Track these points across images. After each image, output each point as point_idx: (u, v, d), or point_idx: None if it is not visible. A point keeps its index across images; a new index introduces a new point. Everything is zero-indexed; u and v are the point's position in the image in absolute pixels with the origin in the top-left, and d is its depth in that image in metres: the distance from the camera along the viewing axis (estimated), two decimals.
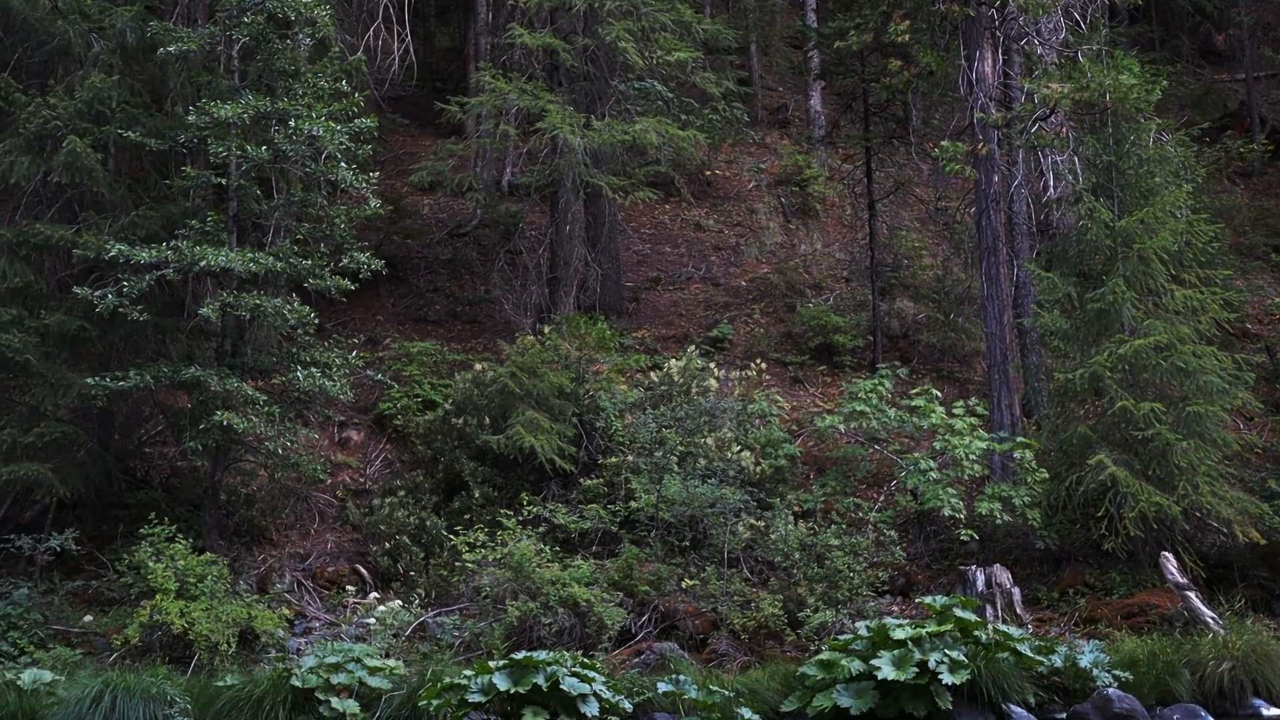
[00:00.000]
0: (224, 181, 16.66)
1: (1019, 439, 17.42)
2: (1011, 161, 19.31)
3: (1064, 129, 18.54)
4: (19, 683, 12.32)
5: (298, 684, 12.81)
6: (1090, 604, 15.81)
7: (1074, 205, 18.35)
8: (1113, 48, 19.15)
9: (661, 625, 15.54)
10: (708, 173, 27.23)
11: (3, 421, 15.88)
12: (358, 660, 13.20)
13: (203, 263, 15.65)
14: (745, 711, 11.95)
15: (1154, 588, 15.62)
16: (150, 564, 14.66)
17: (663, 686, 12.45)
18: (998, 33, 19.01)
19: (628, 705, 12.36)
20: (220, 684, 13.14)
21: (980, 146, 18.51)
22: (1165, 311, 16.71)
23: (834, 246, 25.59)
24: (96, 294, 15.62)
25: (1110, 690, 12.82)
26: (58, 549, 15.71)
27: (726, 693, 12.18)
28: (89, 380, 15.63)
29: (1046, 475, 16.65)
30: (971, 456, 17.04)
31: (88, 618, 15.41)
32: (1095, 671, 13.31)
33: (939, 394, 18.52)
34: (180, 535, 15.20)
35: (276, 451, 16.48)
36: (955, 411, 17.73)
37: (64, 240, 16.24)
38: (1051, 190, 19.75)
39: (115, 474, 16.97)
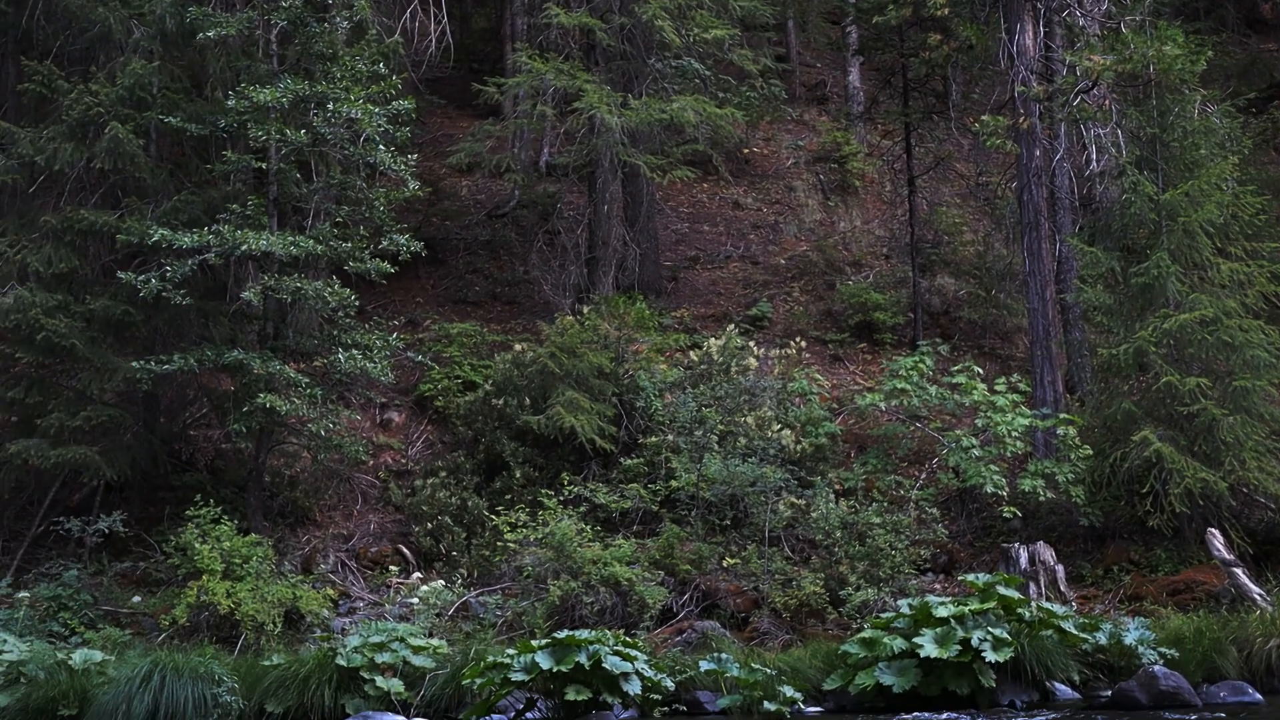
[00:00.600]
0: (264, 165, 16.76)
1: (1062, 415, 17.28)
2: (1053, 135, 19.09)
3: (1107, 101, 18.30)
4: (70, 662, 12.50)
5: (343, 663, 12.93)
6: (1135, 581, 15.69)
7: (1117, 179, 18.13)
8: (1156, 18, 18.89)
9: (703, 604, 15.57)
10: (745, 151, 27.10)
11: (51, 405, 16.08)
12: (402, 640, 13.30)
13: (244, 247, 15.76)
14: (787, 690, 11.95)
15: (1200, 564, 15.48)
16: (197, 545, 14.83)
17: (705, 665, 12.47)
18: (1038, 4, 18.77)
19: (670, 683, 12.38)
20: (267, 663, 13.28)
21: (1021, 120, 18.30)
22: (1211, 285, 16.51)
23: (873, 223, 25.43)
24: (140, 279, 15.77)
25: (1156, 668, 12.71)
26: (106, 531, 15.93)
27: (768, 671, 12.19)
28: (134, 364, 15.80)
29: (1090, 452, 16.51)
30: (1014, 433, 16.92)
31: (136, 598, 15.61)
32: (1141, 649, 13.20)
33: (980, 371, 18.40)
34: (225, 517, 15.35)
35: (319, 433, 16.60)
36: (997, 388, 17.61)
37: (107, 226, 16.40)
38: (1094, 164, 19.50)
39: (161, 457, 17.16)
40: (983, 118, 19.08)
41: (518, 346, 18.50)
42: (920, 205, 23.18)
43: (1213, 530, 15.13)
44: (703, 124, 20.54)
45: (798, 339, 19.80)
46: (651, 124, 19.87)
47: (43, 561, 16.13)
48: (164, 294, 15.71)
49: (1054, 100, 18.30)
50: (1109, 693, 12.87)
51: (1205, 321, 15.98)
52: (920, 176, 23.29)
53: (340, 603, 15.97)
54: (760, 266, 23.99)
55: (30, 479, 16.67)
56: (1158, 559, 15.97)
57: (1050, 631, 13.11)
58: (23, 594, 15.09)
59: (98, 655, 12.77)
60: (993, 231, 23.42)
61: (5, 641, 13.11)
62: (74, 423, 15.81)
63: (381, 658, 13.04)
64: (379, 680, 12.87)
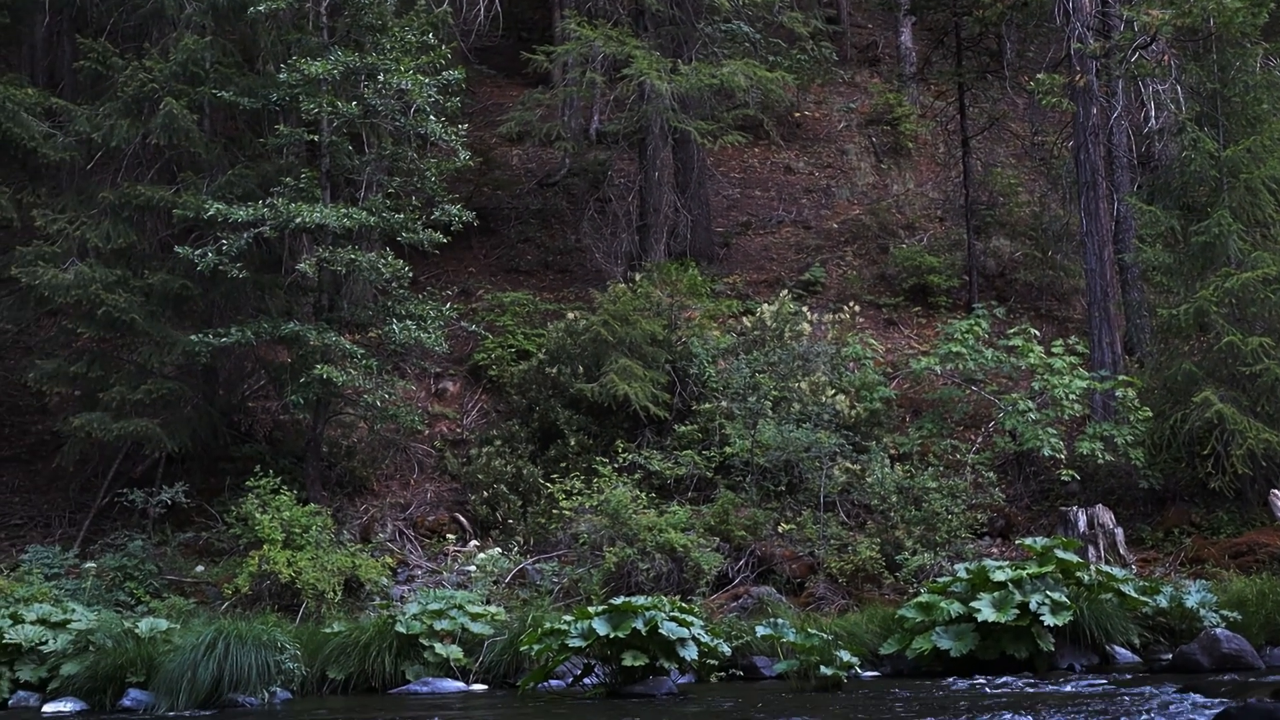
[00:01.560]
0: (316, 138, 16.85)
1: (1121, 377, 17.06)
2: (1111, 92, 18.75)
3: (1165, 56, 17.94)
4: (137, 631, 12.72)
5: (402, 630, 13.07)
6: (1196, 544, 15.51)
7: (1177, 136, 17.82)
8: None
9: (758, 570, 15.58)
10: (797, 114, 26.88)
11: (112, 379, 16.32)
12: (460, 607, 13.42)
13: (298, 219, 15.87)
14: (844, 654, 11.92)
15: (1263, 526, 15.27)
16: (257, 515, 15.02)
17: (761, 630, 12.48)
18: None
19: (726, 649, 12.41)
20: (328, 631, 13.45)
21: (1078, 78, 17.99)
22: (1274, 243, 16.21)
23: (927, 185, 25.16)
24: (197, 253, 15.94)
25: (1218, 631, 12.57)
26: (168, 502, 16.18)
27: (825, 636, 12.16)
28: (193, 337, 15.99)
29: (1150, 413, 16.31)
30: (1071, 396, 16.74)
31: (199, 568, 15.86)
32: (1202, 612, 13.07)
33: (1037, 333, 18.21)
34: (285, 487, 15.53)
35: (375, 404, 16.74)
36: (1054, 350, 17.42)
37: (164, 201, 16.57)
38: (1153, 121, 19.17)
39: (220, 428, 17.38)
40: (1038, 76, 18.78)
41: (570, 315, 18.53)
42: (975, 166, 22.90)
43: (1275, 491, 14.93)
44: (753, 88, 20.38)
45: (851, 303, 19.67)
46: (701, 89, 19.74)
47: (108, 533, 16.43)
48: (220, 267, 15.87)
49: (1111, 56, 17.96)
50: (1170, 656, 12.74)
51: (1268, 280, 15.70)
52: (974, 137, 23.00)
53: (399, 571, 16.14)
54: (813, 231, 23.83)
55: (94, 452, 16.96)
56: (1219, 521, 15.77)
57: (1110, 595, 12.99)
58: (89, 564, 15.38)
59: (163, 624, 12.98)
60: (1049, 192, 23.10)
61: (74, 611, 13.37)
62: (135, 396, 16.04)
63: (440, 625, 13.17)
64: (438, 647, 13.00)
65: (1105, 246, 18.19)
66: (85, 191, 17.15)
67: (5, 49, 18.52)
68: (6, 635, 12.82)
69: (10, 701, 12.68)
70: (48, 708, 12.41)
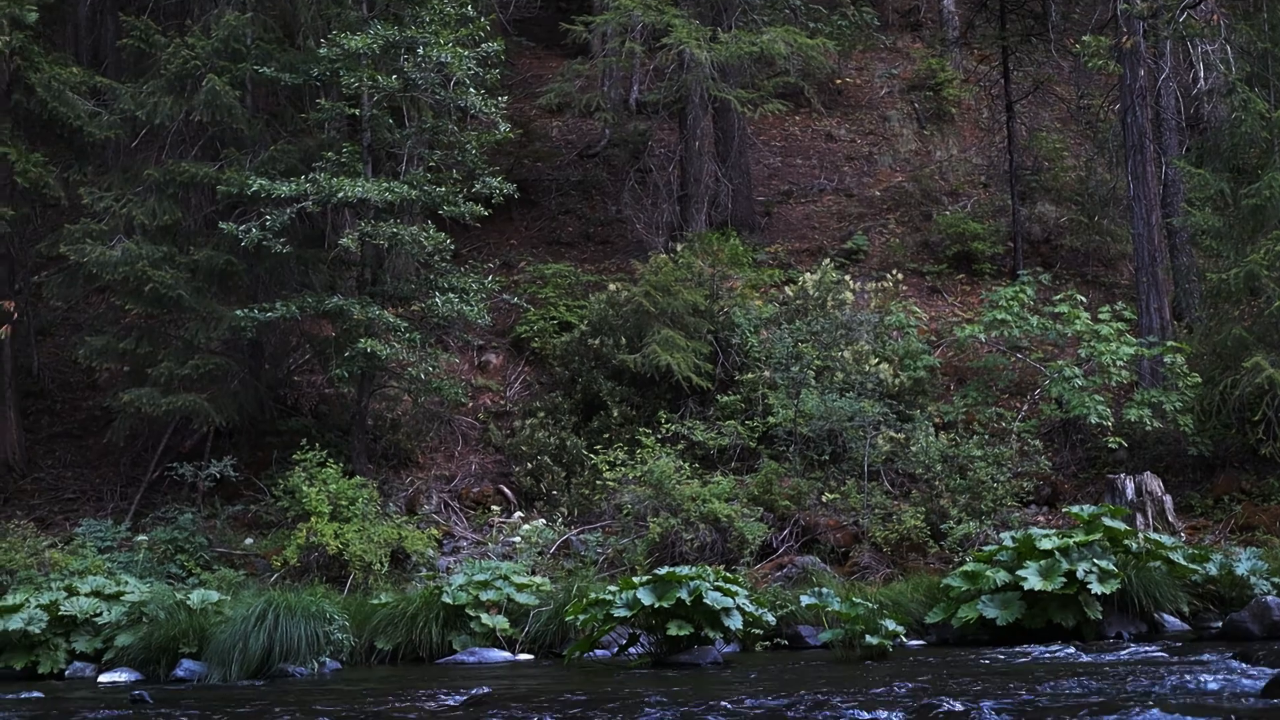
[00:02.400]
0: (357, 113, 16.90)
1: (1169, 343, 16.86)
2: (1158, 54, 18.46)
3: (1215, 16, 17.61)
4: (189, 602, 12.90)
5: (449, 601, 13.18)
6: (1247, 510, 15.34)
7: (1226, 97, 17.54)
8: None
9: (802, 539, 15.58)
10: (838, 81, 26.64)
11: (160, 355, 16.51)
12: (505, 578, 13.51)
13: (340, 194, 15.94)
14: (889, 623, 11.91)
15: None
16: (304, 488, 15.16)
17: (805, 599, 12.48)
18: None
19: (771, 618, 12.43)
20: (375, 602, 13.58)
21: (1125, 39, 17.70)
22: None
23: (970, 151, 24.90)
24: (241, 229, 16.05)
25: (1269, 598, 12.44)
26: (217, 475, 16.37)
27: (869, 605, 12.15)
28: (238, 313, 16.13)
29: (1199, 379, 16.12)
30: (1119, 362, 16.57)
31: (248, 540, 16.05)
32: (1253, 579, 12.95)
33: (1084, 299, 18.02)
34: (331, 460, 15.67)
35: (419, 376, 16.84)
36: (1101, 316, 17.24)
37: (208, 177, 16.69)
38: (1202, 82, 18.86)
39: (267, 402, 17.55)
40: (1084, 38, 18.50)
41: (612, 286, 18.53)
42: (1019, 131, 22.63)
43: None
44: (794, 55, 20.21)
45: (894, 271, 19.54)
46: (741, 57, 19.61)
47: (159, 506, 16.65)
48: (264, 243, 15.98)
49: (1158, 17, 17.65)
50: (1219, 624, 12.64)
51: None
52: (1019, 101, 22.71)
53: (444, 542, 16.26)
54: (855, 199, 23.67)
55: (144, 426, 17.18)
56: (1270, 488, 15.59)
57: (1158, 563, 12.89)
58: (141, 537, 15.61)
59: (214, 595, 13.16)
60: (1095, 156, 22.80)
61: (127, 583, 13.58)
62: (183, 371, 16.21)
63: (486, 595, 13.27)
64: (484, 617, 13.11)
65: (1153, 211, 17.94)
66: (130, 169, 17.30)
67: (50, 28, 18.65)
68: (62, 607, 13.05)
69: (67, 672, 12.92)
70: (103, 678, 12.63)
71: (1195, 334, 17.60)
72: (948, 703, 7.58)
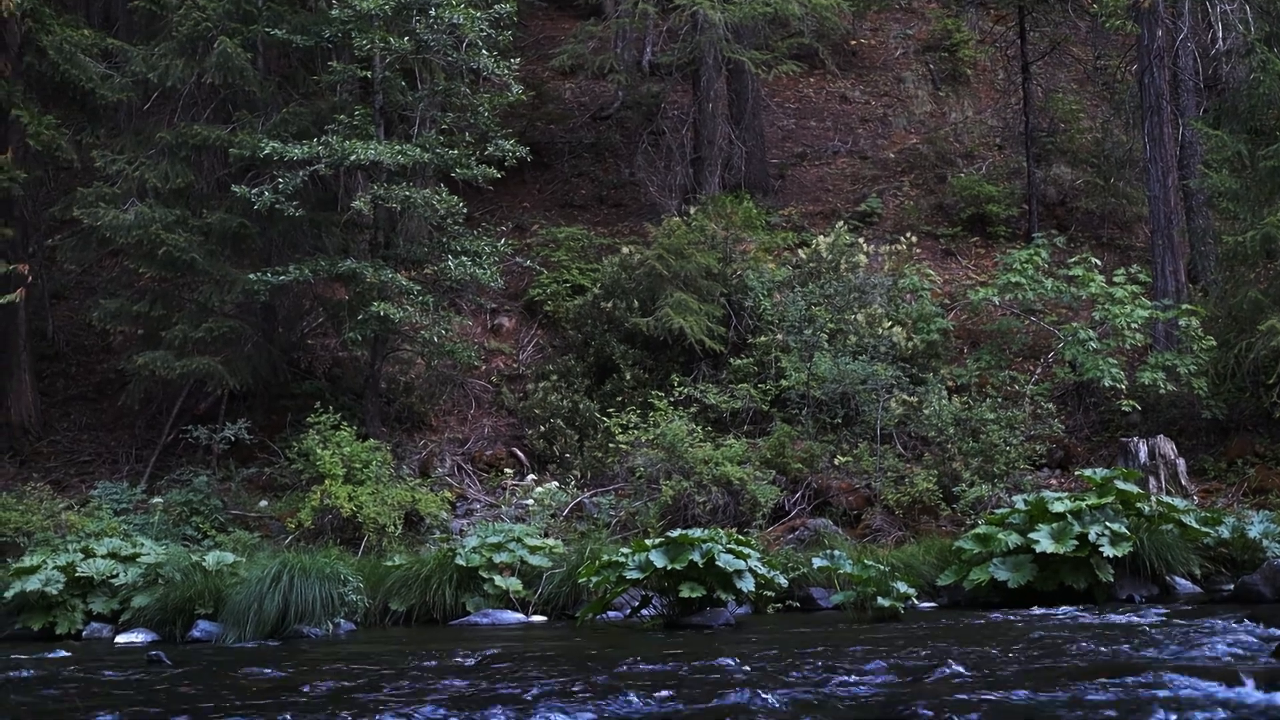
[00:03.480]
0: (369, 75, 16.84)
1: (1184, 306, 16.78)
2: (1176, 13, 18.27)
3: None
4: (204, 564, 12.97)
5: (462, 563, 13.24)
6: (1260, 474, 15.31)
7: (1245, 57, 17.37)
8: None
9: (815, 502, 15.60)
10: (852, 42, 26.44)
11: (174, 318, 16.56)
12: (518, 540, 13.56)
13: (352, 157, 15.91)
14: (901, 585, 11.93)
15: None
16: (318, 451, 15.22)
17: (817, 562, 12.51)
18: None
19: (783, 580, 12.45)
20: (389, 564, 13.64)
21: None
22: None
23: (986, 113, 24.73)
24: (254, 192, 16.04)
25: None
26: (232, 438, 16.44)
27: (881, 567, 12.17)
28: (251, 276, 16.14)
29: (1214, 342, 16.05)
30: (1133, 325, 16.51)
31: (263, 503, 16.14)
32: (1265, 542, 12.92)
33: (1098, 262, 17.93)
34: (344, 423, 15.72)
35: (432, 340, 16.86)
36: (1116, 279, 17.15)
37: (220, 140, 16.67)
38: (1220, 42, 18.66)
39: (281, 365, 17.60)
40: None
41: (625, 249, 18.49)
42: (1035, 92, 22.46)
43: None
44: (808, 16, 20.07)
45: (908, 234, 19.46)
46: (755, 18, 19.47)
47: (174, 469, 16.74)
48: (277, 206, 15.97)
49: None
50: (1231, 587, 12.62)
51: None
52: (1035, 62, 22.53)
53: (458, 505, 16.33)
54: (869, 161, 23.54)
55: (158, 390, 17.25)
56: None
57: (1170, 526, 12.87)
58: (157, 500, 15.70)
59: (229, 557, 13.23)
60: (1111, 117, 22.63)
61: (143, 545, 13.66)
62: (196, 334, 16.25)
63: (499, 557, 13.32)
64: (497, 579, 13.17)
65: (1169, 172, 17.82)
66: (143, 132, 17.29)
67: None
68: (79, 569, 13.15)
69: (85, 632, 13.03)
70: (120, 638, 12.74)
71: (1210, 297, 17.51)
72: (952, 665, 7.60)
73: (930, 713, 5.25)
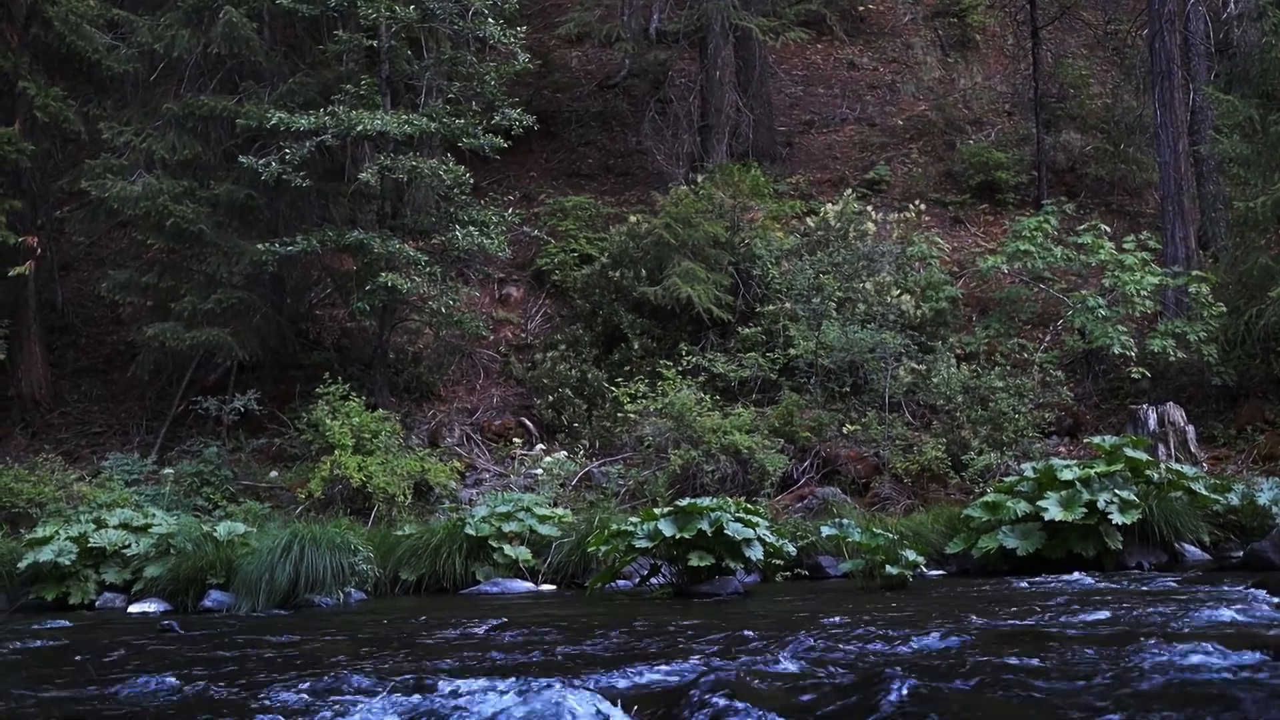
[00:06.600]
0: (375, 44, 16.79)
1: (1194, 272, 16.72)
2: None
3: None
4: (215, 534, 13.03)
5: (471, 532, 13.28)
6: (1270, 440, 15.29)
7: (1256, 21, 17.21)
8: None
9: (823, 471, 15.61)
10: (860, 8, 26.29)
11: (183, 290, 16.58)
12: (527, 509, 13.60)
13: (359, 127, 15.88)
14: (909, 554, 11.95)
15: None
16: (327, 421, 15.26)
17: (826, 530, 12.53)
18: None
19: (791, 549, 12.48)
20: (399, 534, 13.70)
21: None
22: None
23: (995, 79, 24.59)
24: (261, 163, 16.02)
25: None
26: (241, 409, 16.49)
27: (890, 535, 12.18)
28: (259, 247, 16.15)
29: (1224, 309, 16.00)
30: (1143, 292, 16.46)
31: (273, 473, 16.20)
32: (1275, 509, 12.92)
33: (1108, 229, 17.86)
34: (353, 393, 15.75)
35: (440, 310, 16.87)
36: (1126, 246, 17.09)
37: (226, 111, 16.64)
38: (1231, 6, 18.53)
39: (289, 336, 17.63)
40: None
41: (632, 218, 18.45)
42: (1044, 58, 22.32)
43: None
44: None
45: (917, 202, 19.39)
46: None
47: (184, 440, 16.81)
48: (284, 177, 15.95)
49: None
50: (1240, 554, 12.62)
51: None
52: (1045, 27, 22.38)
53: (467, 474, 16.37)
54: (877, 128, 23.44)
55: (168, 361, 17.30)
56: None
57: (1180, 493, 12.86)
58: (167, 471, 15.77)
59: (240, 527, 13.28)
60: (1122, 83, 22.49)
61: (154, 515, 13.73)
62: (205, 305, 16.28)
63: (509, 527, 13.36)
64: (507, 548, 13.21)
65: (1180, 138, 17.72)
66: (149, 103, 17.26)
67: None
68: (91, 539, 13.21)
69: (97, 603, 13.12)
70: (133, 608, 12.82)
71: (1221, 263, 17.44)
72: (957, 636, 7.63)
73: (915, 679, 5.29)
